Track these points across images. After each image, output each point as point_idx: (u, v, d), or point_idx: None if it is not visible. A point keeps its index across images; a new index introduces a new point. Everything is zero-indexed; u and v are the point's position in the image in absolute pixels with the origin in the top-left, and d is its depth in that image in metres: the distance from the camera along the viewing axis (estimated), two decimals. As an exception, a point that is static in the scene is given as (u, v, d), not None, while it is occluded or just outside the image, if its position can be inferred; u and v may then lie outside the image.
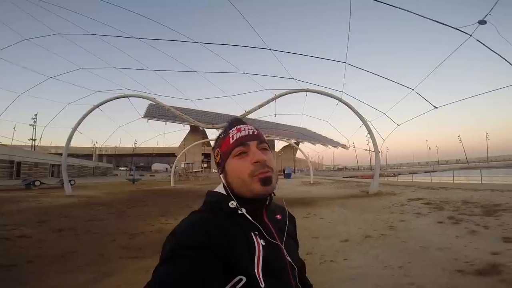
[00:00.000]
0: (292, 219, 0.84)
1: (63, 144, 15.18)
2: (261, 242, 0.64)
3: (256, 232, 0.65)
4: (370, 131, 14.35)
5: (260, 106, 13.37)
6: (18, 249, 4.66)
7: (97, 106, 15.10)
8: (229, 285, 0.55)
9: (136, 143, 63.45)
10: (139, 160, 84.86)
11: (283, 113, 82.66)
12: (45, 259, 4.09)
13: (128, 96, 15.14)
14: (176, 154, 70.81)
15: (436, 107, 10.98)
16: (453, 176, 19.80)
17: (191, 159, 61.18)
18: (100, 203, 11.41)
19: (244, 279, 0.56)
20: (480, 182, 16.41)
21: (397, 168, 78.80)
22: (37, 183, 19.85)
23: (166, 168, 78.06)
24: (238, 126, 0.75)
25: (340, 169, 77.32)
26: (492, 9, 5.71)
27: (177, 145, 70.71)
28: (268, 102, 13.42)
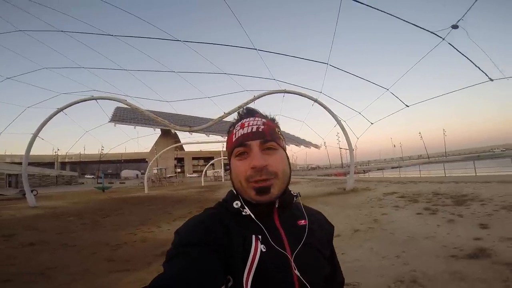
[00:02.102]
0: (325, 227, 0.73)
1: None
2: (261, 247, 0.57)
3: (260, 236, 0.59)
4: (344, 130, 14.91)
5: (239, 107, 13.21)
6: None
7: (61, 109, 14.02)
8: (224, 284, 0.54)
9: (103, 149, 60.08)
10: (107, 167, 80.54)
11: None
12: (23, 277, 3.73)
13: (96, 98, 14.23)
14: (147, 160, 68.43)
15: (408, 106, 11.69)
16: (420, 170, 21.24)
17: (164, 164, 59.21)
18: (69, 213, 10.64)
19: (231, 280, 0.54)
20: (444, 175, 17.74)
21: (366, 165, 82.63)
22: (-7, 195, 18.00)
23: (137, 175, 74.73)
24: (243, 121, 0.68)
25: (313, 168, 79.28)
26: (465, 14, 6.20)
27: (148, 150, 68.07)
28: (247, 103, 13.37)
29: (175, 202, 14.18)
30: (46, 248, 5.38)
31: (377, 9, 7.46)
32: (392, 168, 49.69)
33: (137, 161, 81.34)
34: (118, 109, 46.92)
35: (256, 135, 0.64)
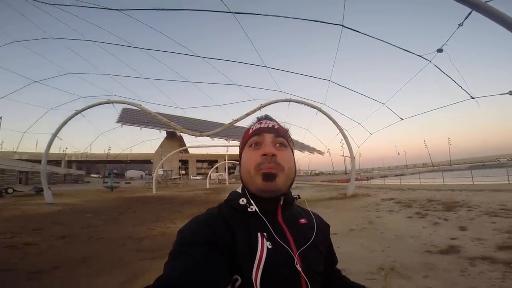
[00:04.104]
0: (322, 226, 0.77)
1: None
2: (267, 244, 0.59)
3: (265, 233, 0.61)
4: (346, 138, 15.58)
5: (247, 114, 14.09)
6: (34, 256, 4.73)
7: (79, 111, 14.91)
8: (230, 283, 0.55)
9: (110, 149, 61.30)
10: (113, 167, 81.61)
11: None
12: (68, 264, 4.21)
13: (113, 102, 15.13)
14: (152, 161, 69.39)
15: (402, 119, 12.46)
16: (419, 178, 21.74)
17: (169, 165, 60.02)
18: (86, 210, 11.32)
19: (240, 279, 0.55)
20: (442, 183, 18.25)
21: (369, 172, 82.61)
22: (10, 190, 18.90)
23: (141, 175, 75.79)
24: (262, 120, 0.75)
25: (317, 174, 79.60)
26: (448, 40, 6.94)
27: (152, 151, 69.09)
28: (254, 111, 14.17)
29: (183, 202, 14.90)
30: (77, 241, 5.96)
31: (372, 37, 8.24)
32: (396, 175, 49.92)
33: (143, 162, 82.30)
34: (125, 110, 47.93)
35: (270, 130, 0.71)
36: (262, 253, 0.58)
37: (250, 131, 0.73)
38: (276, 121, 0.77)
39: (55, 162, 64.53)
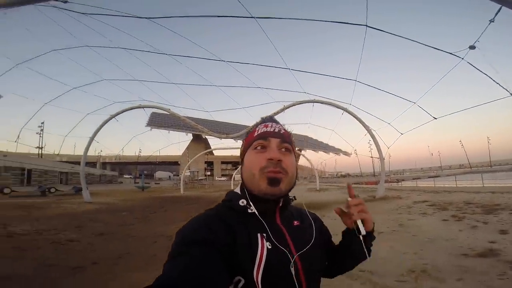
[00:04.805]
0: (318, 224, 0.79)
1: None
2: (267, 245, 0.61)
3: (264, 234, 0.63)
4: (374, 139, 15.07)
5: (271, 116, 13.98)
6: (76, 252, 5.07)
7: (114, 116, 15.85)
8: (232, 285, 0.56)
9: (141, 152, 64.34)
10: (143, 168, 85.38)
11: (291, 123, 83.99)
12: (106, 260, 4.44)
13: (144, 107, 15.92)
14: (179, 162, 71.68)
15: (436, 118, 11.82)
16: (456, 180, 20.48)
17: (195, 167, 61.67)
18: (122, 209, 12.04)
19: (243, 280, 0.56)
20: (482, 185, 17.06)
21: (400, 174, 79.03)
22: (52, 190, 20.49)
23: (169, 176, 78.69)
24: (267, 123, 0.75)
25: (343, 176, 77.56)
26: (480, 36, 6.59)
27: (179, 153, 71.36)
28: (277, 112, 14.21)
29: (210, 202, 15.25)
30: (114, 238, 6.32)
31: (399, 36, 7.97)
32: (429, 177, 47.37)
33: (171, 164, 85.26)
34: (154, 114, 50.00)
35: (276, 135, 0.71)
36: (262, 253, 0.59)
37: (255, 133, 0.73)
38: (280, 124, 0.77)
39: (91, 163, 68.78)
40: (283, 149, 0.70)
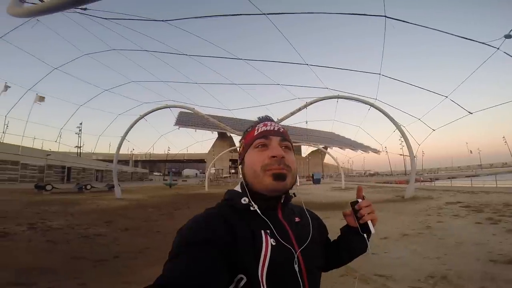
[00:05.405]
0: (315, 223, 0.79)
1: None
2: (271, 241, 0.61)
3: (268, 231, 0.63)
4: (404, 136, 14.34)
5: (292, 113, 14.04)
6: (101, 246, 5.30)
7: (143, 116, 16.64)
8: (233, 283, 0.56)
9: (169, 150, 66.90)
10: (172, 165, 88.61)
11: (314, 120, 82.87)
12: (127, 254, 4.64)
13: (170, 107, 16.54)
14: (205, 160, 73.43)
15: (471, 113, 10.97)
16: (496, 180, 18.92)
17: (220, 165, 62.86)
18: (149, 205, 12.58)
19: (245, 278, 0.56)
20: (526, 186, 15.62)
21: (434, 172, 74.54)
22: (88, 187, 21.98)
23: (196, 174, 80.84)
24: (266, 122, 0.77)
25: (371, 175, 74.52)
26: None
27: (206, 151, 73.14)
28: (299, 109, 14.03)
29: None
30: (139, 233, 6.61)
31: (423, 26, 7.47)
32: (466, 177, 44.20)
33: (197, 161, 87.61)
34: (181, 113, 51.60)
35: (277, 133, 0.73)
36: (267, 250, 0.59)
37: (255, 132, 0.74)
38: (277, 124, 0.79)
39: (123, 161, 72.67)
40: (284, 147, 0.72)
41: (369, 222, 0.74)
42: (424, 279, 3.07)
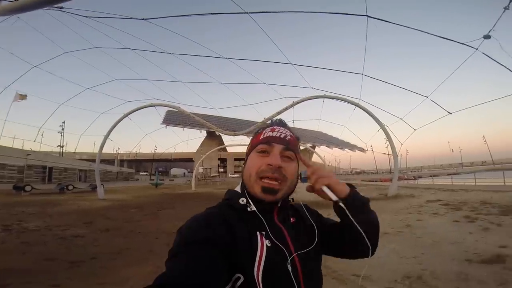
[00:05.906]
0: (313, 217, 0.77)
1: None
2: (267, 243, 0.61)
3: (263, 232, 0.63)
4: (387, 135, 14.64)
5: (279, 113, 14.02)
6: (78, 247, 5.23)
7: (127, 115, 16.26)
8: (231, 283, 0.56)
9: (156, 149, 65.77)
10: (158, 165, 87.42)
11: (301, 119, 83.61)
12: (105, 255, 4.58)
13: (155, 105, 16.22)
14: (193, 159, 72.73)
15: (450, 113, 11.30)
16: (475, 178, 19.57)
17: (208, 164, 62.35)
18: (132, 206, 12.30)
19: (242, 278, 0.56)
20: (503, 183, 16.20)
21: (418, 171, 76.61)
22: (70, 187, 21.33)
23: (184, 173, 79.91)
24: (275, 127, 0.75)
25: (358, 173, 75.98)
26: (494, 25, 6.13)
27: (194, 150, 72.43)
28: (286, 109, 14.06)
29: (219, 199, 15.35)
30: (120, 233, 6.48)
31: (404, 26, 7.60)
32: (448, 175, 45.61)
33: (185, 160, 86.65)
34: (169, 112, 50.87)
35: (281, 141, 0.71)
36: (262, 251, 0.59)
37: (261, 136, 0.73)
38: (289, 129, 0.77)
39: (108, 161, 71.08)
40: (285, 157, 0.70)
41: (326, 190, 0.68)
42: (400, 279, 3.08)
